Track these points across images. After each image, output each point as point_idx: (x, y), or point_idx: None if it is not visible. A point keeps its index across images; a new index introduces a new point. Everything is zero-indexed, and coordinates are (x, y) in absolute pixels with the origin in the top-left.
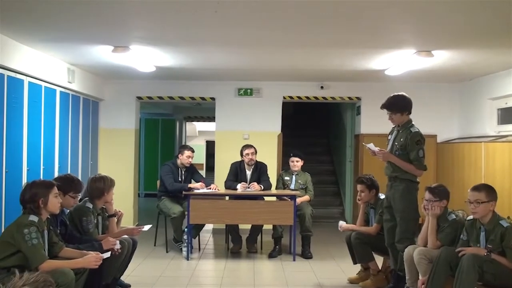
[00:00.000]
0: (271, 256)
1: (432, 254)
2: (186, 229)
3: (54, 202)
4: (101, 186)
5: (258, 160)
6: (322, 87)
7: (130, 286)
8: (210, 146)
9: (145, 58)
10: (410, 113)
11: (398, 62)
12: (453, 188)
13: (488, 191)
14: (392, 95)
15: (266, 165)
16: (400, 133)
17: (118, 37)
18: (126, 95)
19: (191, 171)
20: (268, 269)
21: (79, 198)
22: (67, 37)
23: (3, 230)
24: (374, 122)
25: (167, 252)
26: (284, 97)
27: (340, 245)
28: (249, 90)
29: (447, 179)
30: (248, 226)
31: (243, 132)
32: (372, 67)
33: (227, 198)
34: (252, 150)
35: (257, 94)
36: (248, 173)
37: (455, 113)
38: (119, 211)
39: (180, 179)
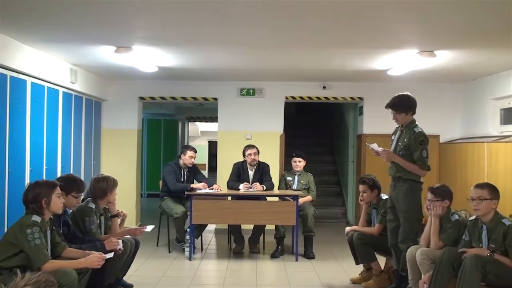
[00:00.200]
0: (274, 256)
1: (434, 255)
2: (188, 229)
3: (57, 202)
4: (104, 186)
5: (261, 160)
6: (324, 87)
7: (132, 286)
8: (213, 146)
9: (147, 58)
10: (414, 113)
11: (401, 62)
12: (456, 188)
13: (492, 189)
14: (397, 94)
15: (268, 165)
16: (403, 133)
17: (120, 38)
18: (129, 95)
19: (194, 171)
20: (271, 269)
21: (81, 198)
22: (69, 38)
23: (6, 230)
24: (376, 122)
25: (169, 252)
26: (286, 97)
27: (343, 245)
28: (251, 90)
29: (449, 179)
30: (251, 227)
31: (246, 132)
32: (374, 67)
33: (229, 198)
34: (254, 150)
35: (259, 94)
36: (251, 173)
37: (458, 113)
38: (122, 212)
39: (182, 179)
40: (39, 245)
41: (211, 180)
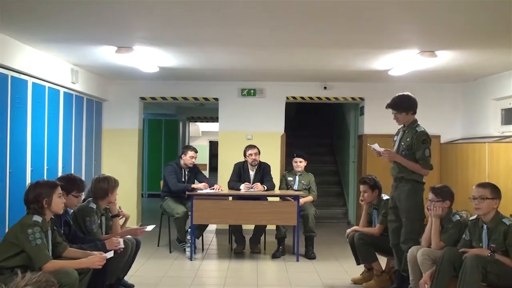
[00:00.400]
0: (275, 256)
1: (435, 255)
2: (189, 230)
3: (58, 202)
4: (105, 186)
5: (261, 160)
6: (325, 88)
7: (133, 286)
8: (214, 147)
9: (148, 58)
10: (415, 113)
11: (402, 63)
12: (457, 188)
13: (493, 188)
14: (397, 94)
15: (269, 166)
16: (406, 133)
17: (121, 38)
18: (130, 95)
19: (195, 172)
20: (272, 269)
21: (82, 198)
22: (70, 38)
23: (7, 230)
24: (377, 123)
25: (170, 252)
26: (287, 98)
27: (344, 245)
28: (252, 91)
29: (451, 180)
30: (252, 227)
31: (247, 132)
32: (375, 67)
33: (230, 198)
34: (255, 150)
35: (260, 94)
36: (252, 173)
37: (459, 113)
38: (122, 211)
39: (183, 180)
40: (40, 245)
41: (212, 180)
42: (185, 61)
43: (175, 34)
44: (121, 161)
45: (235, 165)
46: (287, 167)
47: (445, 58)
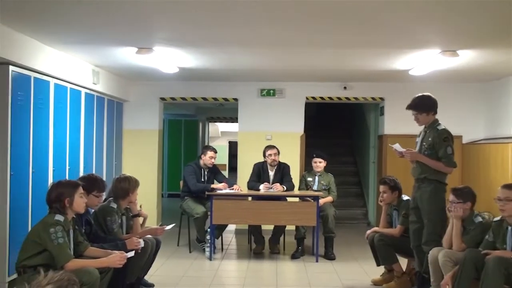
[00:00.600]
0: (294, 257)
1: (457, 256)
2: (209, 229)
3: (80, 202)
4: (126, 186)
5: (281, 160)
6: (345, 88)
7: (153, 285)
8: (233, 147)
9: (168, 59)
10: (435, 113)
11: (423, 62)
12: (479, 189)
13: None
14: (417, 95)
15: (289, 166)
16: (427, 133)
17: (141, 39)
18: (150, 96)
19: (214, 172)
20: (291, 270)
21: (103, 198)
22: (91, 39)
23: (29, 229)
24: (398, 123)
25: (190, 252)
26: (307, 98)
27: (363, 246)
28: (271, 91)
29: (473, 181)
30: (271, 227)
31: (266, 132)
32: (396, 67)
33: (250, 198)
34: (274, 150)
35: (279, 94)
36: (271, 173)
37: (481, 113)
38: (140, 209)
39: (203, 180)
40: (62, 244)
41: (232, 180)
42: (205, 61)
43: (195, 35)
44: (142, 161)
45: (255, 165)
46: (307, 168)
47: (467, 57)
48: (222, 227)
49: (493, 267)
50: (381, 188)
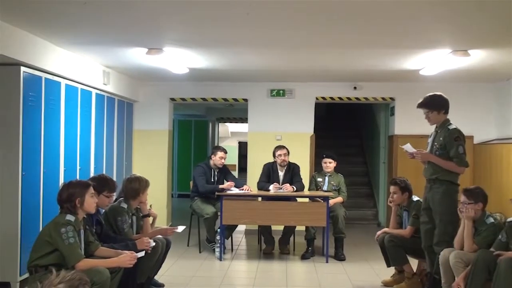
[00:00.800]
0: (304, 257)
1: (468, 257)
2: (219, 230)
3: (91, 202)
4: (136, 186)
5: (291, 161)
6: (355, 88)
7: (163, 285)
8: (243, 147)
9: (178, 60)
10: (447, 112)
11: (433, 62)
12: (490, 190)
13: None
14: (429, 94)
15: (298, 166)
16: (438, 133)
17: (152, 40)
18: (160, 96)
19: (224, 172)
20: (301, 270)
21: (114, 198)
22: (102, 40)
23: (41, 229)
24: (408, 123)
25: (200, 252)
26: (316, 98)
27: (374, 247)
28: (281, 91)
29: (484, 181)
30: (281, 227)
31: (276, 133)
32: (406, 67)
33: (259, 199)
34: (284, 151)
35: (289, 95)
36: (281, 174)
37: (493, 113)
38: (150, 209)
39: (212, 180)
40: (73, 243)
41: (242, 180)
42: (215, 62)
43: (205, 36)
44: (152, 161)
45: (265, 165)
46: (317, 168)
47: (478, 57)
48: (232, 228)
49: (506, 268)
50: (392, 188)
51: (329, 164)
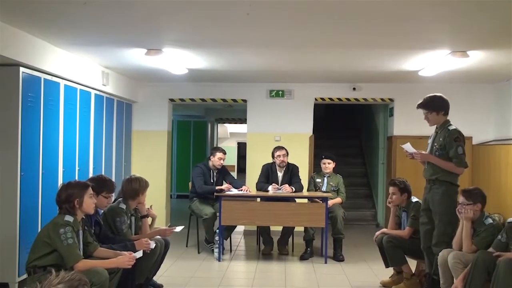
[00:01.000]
0: (303, 258)
1: (467, 258)
2: (217, 231)
3: (89, 202)
4: (136, 187)
5: (290, 162)
6: (354, 89)
7: (162, 286)
8: (242, 148)
9: (177, 60)
10: (446, 113)
11: (433, 63)
12: (489, 191)
13: None
14: (429, 95)
15: (297, 167)
16: (438, 134)
17: (151, 40)
18: (159, 97)
19: (223, 173)
20: (300, 271)
21: (112, 199)
22: (101, 41)
23: (39, 229)
24: (407, 124)
25: (198, 253)
26: (315, 99)
27: (372, 248)
28: (280, 92)
29: (482, 182)
30: (280, 228)
31: (275, 134)
32: (405, 68)
33: (258, 199)
34: (283, 151)
35: (288, 95)
36: (280, 174)
37: (492, 114)
38: (150, 209)
39: (211, 181)
40: (71, 244)
41: (240, 181)
42: (214, 62)
43: (205, 36)
44: (151, 162)
45: (263, 166)
46: (316, 169)
47: (477, 58)
48: (231, 228)
49: (505, 269)
50: (391, 189)
51: (328, 165)
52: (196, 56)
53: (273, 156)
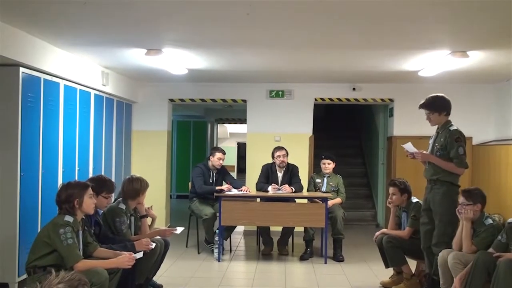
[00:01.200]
0: (303, 258)
1: (467, 259)
2: (217, 231)
3: (89, 202)
4: (137, 187)
5: (290, 162)
6: (354, 89)
7: (162, 286)
8: (242, 148)
9: (177, 60)
10: (448, 114)
11: (432, 63)
12: (489, 191)
13: None
14: (431, 95)
15: (297, 167)
16: (440, 134)
17: (151, 40)
18: (159, 97)
19: (223, 173)
20: (300, 271)
21: (112, 199)
22: (101, 41)
23: (39, 230)
24: (407, 124)
25: (198, 253)
26: (315, 99)
27: (372, 248)
28: (280, 92)
29: (482, 183)
30: (279, 228)
31: (275, 134)
32: (405, 68)
33: (258, 200)
34: (283, 152)
35: (288, 96)
36: (280, 175)
37: (492, 114)
38: (150, 209)
39: (211, 181)
40: (71, 244)
41: (240, 181)
42: (214, 63)
43: (205, 36)
44: (150, 162)
45: (263, 166)
46: (315, 169)
47: (477, 58)
48: (231, 229)
49: (505, 270)
50: (391, 190)
51: (328, 165)
52: (196, 56)
53: (273, 156)
